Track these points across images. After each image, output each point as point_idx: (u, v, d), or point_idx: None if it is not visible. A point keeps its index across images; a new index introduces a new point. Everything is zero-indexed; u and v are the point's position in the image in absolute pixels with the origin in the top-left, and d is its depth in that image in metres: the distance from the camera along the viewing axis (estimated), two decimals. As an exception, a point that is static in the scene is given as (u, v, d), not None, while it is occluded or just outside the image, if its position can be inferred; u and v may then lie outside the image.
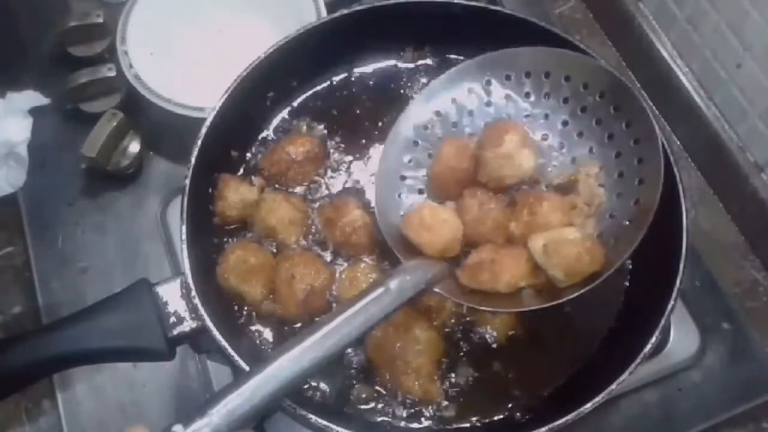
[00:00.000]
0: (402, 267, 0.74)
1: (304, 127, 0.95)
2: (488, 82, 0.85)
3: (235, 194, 0.87)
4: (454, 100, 0.86)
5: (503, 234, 0.77)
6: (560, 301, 0.73)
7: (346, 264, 0.86)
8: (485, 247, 0.76)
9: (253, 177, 0.91)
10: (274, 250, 0.87)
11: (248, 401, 0.62)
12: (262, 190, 0.90)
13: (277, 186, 0.91)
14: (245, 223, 0.89)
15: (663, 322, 0.76)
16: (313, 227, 0.88)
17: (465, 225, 0.77)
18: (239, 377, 0.65)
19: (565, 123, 0.83)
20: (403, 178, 0.84)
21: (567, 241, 0.72)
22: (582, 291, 0.73)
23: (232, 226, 0.88)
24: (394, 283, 0.71)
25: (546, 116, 0.84)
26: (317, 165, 0.92)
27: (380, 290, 0.70)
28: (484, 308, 0.75)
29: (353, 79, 0.98)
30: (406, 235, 0.76)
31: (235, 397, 0.62)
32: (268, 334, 0.84)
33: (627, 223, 0.76)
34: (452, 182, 0.81)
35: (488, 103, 0.85)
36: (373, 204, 0.88)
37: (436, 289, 0.74)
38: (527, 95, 0.84)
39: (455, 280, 0.76)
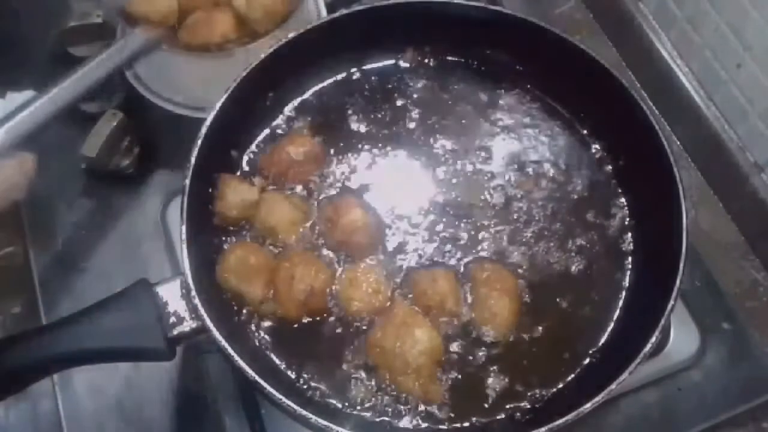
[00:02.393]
0: (132, 31, 1.01)
1: (305, 128, 0.95)
2: None
3: (235, 194, 0.87)
4: None
5: (213, 1, 1.04)
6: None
7: (346, 264, 0.86)
8: (199, 11, 1.04)
9: (253, 177, 0.91)
10: (275, 250, 0.87)
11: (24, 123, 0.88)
12: (262, 190, 0.90)
13: (277, 186, 0.91)
14: (245, 223, 0.89)
15: (663, 322, 0.76)
16: (313, 227, 0.88)
17: None
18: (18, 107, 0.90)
19: None
20: None
21: None
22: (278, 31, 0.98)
23: (232, 226, 0.88)
24: (130, 39, 1.00)
25: None
26: (317, 165, 0.92)
27: (119, 44, 0.99)
28: (202, 56, 1.01)
29: (353, 79, 0.98)
30: (130, 10, 1.02)
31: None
32: (268, 334, 0.84)
33: None
34: None
35: None
36: (373, 204, 0.89)
37: (164, 48, 1.02)
38: None
39: (177, 41, 1.03)
